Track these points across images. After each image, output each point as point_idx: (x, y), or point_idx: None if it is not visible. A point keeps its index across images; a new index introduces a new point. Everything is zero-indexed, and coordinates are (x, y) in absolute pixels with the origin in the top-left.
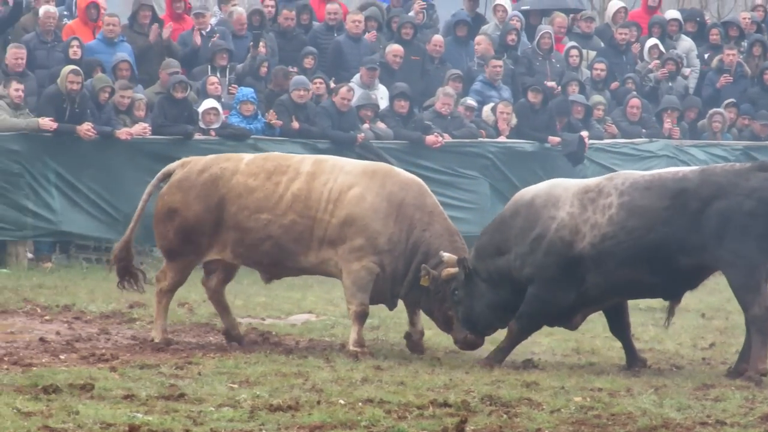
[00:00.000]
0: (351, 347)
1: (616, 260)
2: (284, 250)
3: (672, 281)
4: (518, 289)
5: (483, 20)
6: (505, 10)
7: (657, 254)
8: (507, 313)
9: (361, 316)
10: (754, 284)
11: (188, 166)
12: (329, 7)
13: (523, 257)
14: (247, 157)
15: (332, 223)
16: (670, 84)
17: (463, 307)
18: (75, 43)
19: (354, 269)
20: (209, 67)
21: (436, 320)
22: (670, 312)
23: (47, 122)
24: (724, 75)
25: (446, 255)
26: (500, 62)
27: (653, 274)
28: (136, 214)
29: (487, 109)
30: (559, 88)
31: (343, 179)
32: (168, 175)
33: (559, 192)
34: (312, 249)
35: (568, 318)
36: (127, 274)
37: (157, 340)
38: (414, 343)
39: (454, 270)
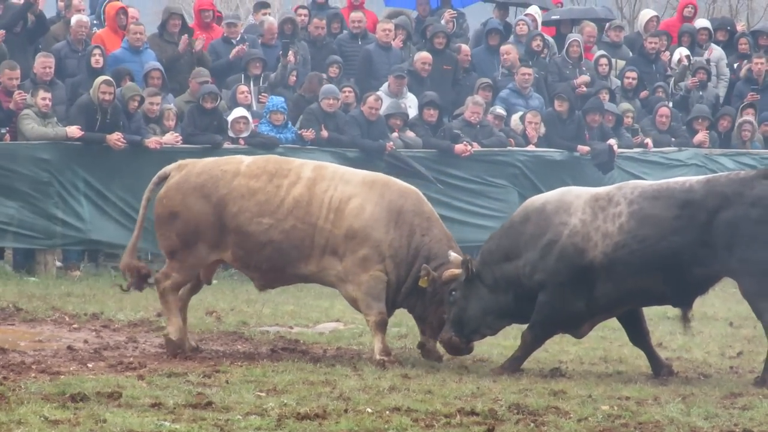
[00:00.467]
0: (377, 356)
1: (628, 269)
2: (284, 255)
3: (683, 290)
4: (522, 296)
5: (513, 29)
6: (535, 21)
7: (669, 263)
8: (500, 320)
9: (382, 325)
10: (767, 291)
11: (186, 168)
12: (353, 15)
13: (533, 263)
14: (247, 159)
15: (334, 233)
16: (700, 93)
17: (457, 308)
18: (97, 51)
19: (364, 280)
20: (242, 75)
21: (430, 325)
22: (685, 319)
23: (74, 130)
24: (751, 92)
25: (453, 255)
26: (529, 69)
27: (666, 284)
28: (139, 221)
29: (515, 118)
30: (584, 88)
31: (343, 189)
32: (164, 178)
33: (570, 199)
34: (313, 257)
35: (577, 326)
36: (143, 280)
37: (174, 338)
38: (428, 351)
39: (457, 271)
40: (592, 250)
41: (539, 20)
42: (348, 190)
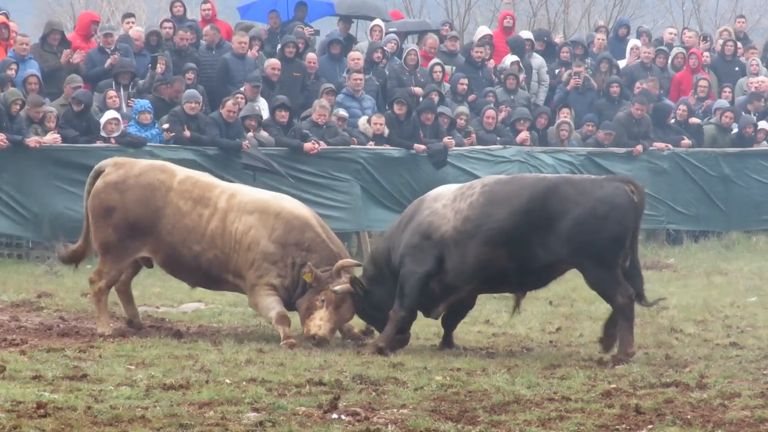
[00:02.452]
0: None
1: (474, 241)
2: (208, 275)
3: (526, 272)
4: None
5: (355, 40)
6: (381, 30)
7: (513, 241)
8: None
9: (280, 319)
10: (612, 278)
11: (124, 168)
12: (206, 29)
13: (401, 243)
14: (179, 174)
15: (239, 260)
16: (511, 97)
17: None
18: None
19: (256, 290)
20: (113, 82)
21: (301, 312)
22: (517, 303)
23: None
24: (574, 77)
25: (338, 288)
26: (361, 75)
27: (510, 260)
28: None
29: (363, 121)
30: (422, 94)
31: (245, 220)
32: (98, 173)
33: (443, 191)
34: (230, 276)
35: (433, 304)
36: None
37: (107, 333)
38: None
39: (346, 287)
40: (444, 225)
41: (384, 31)
42: (248, 221)
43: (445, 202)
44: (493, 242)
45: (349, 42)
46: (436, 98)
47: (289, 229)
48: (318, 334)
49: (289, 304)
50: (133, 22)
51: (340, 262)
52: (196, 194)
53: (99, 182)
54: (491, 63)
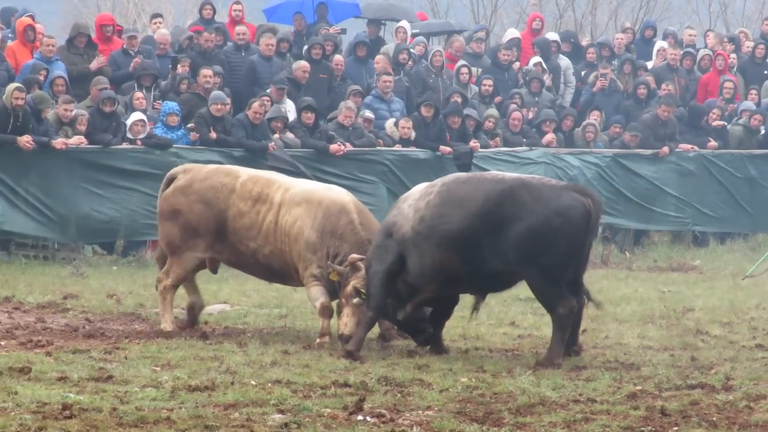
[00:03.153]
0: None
1: (429, 242)
2: (273, 271)
3: (480, 276)
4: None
5: (383, 42)
6: (405, 32)
7: (467, 243)
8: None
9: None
10: (556, 290)
11: (191, 173)
12: (238, 28)
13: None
14: (243, 175)
15: (292, 252)
16: (536, 99)
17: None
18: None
19: (306, 281)
20: (135, 84)
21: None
22: (476, 306)
23: None
24: (600, 79)
25: (356, 300)
26: (390, 77)
27: (463, 264)
28: None
29: (390, 124)
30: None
31: (294, 212)
32: (171, 180)
33: (415, 189)
34: (291, 269)
35: (399, 307)
36: None
37: (168, 329)
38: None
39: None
40: (405, 225)
41: (408, 33)
42: (296, 213)
43: (410, 201)
44: (445, 245)
45: (377, 44)
46: (459, 100)
47: (327, 216)
48: (344, 333)
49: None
50: (160, 23)
51: (351, 257)
52: (255, 192)
53: (169, 187)
54: (517, 65)
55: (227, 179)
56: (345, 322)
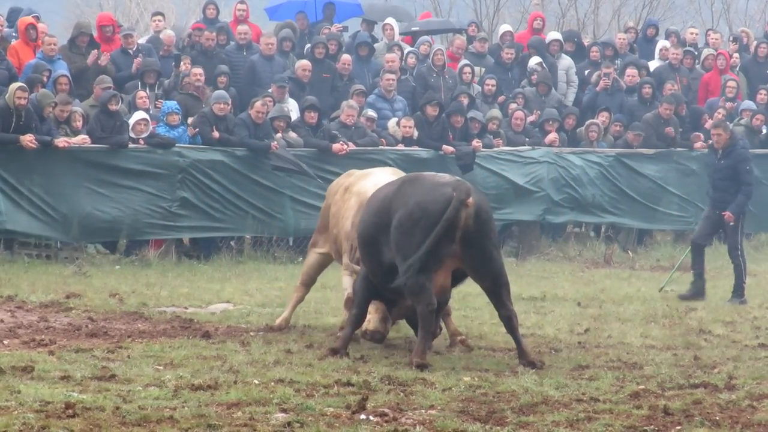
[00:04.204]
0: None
1: (360, 243)
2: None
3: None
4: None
5: (375, 40)
6: (392, 29)
7: (373, 243)
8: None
9: (346, 302)
10: (418, 286)
11: (341, 176)
12: (240, 28)
13: None
14: (358, 173)
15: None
16: (543, 98)
17: None
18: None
19: (343, 269)
20: (139, 83)
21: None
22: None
23: None
24: (603, 78)
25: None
26: (393, 75)
27: (379, 264)
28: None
29: (392, 123)
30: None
31: (349, 202)
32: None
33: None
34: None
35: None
36: None
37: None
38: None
39: None
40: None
41: (396, 30)
42: (350, 202)
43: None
44: (361, 245)
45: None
46: (465, 101)
47: (358, 207)
48: (368, 329)
49: None
50: (161, 21)
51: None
52: (348, 184)
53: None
54: (533, 61)
55: (347, 179)
56: (367, 318)
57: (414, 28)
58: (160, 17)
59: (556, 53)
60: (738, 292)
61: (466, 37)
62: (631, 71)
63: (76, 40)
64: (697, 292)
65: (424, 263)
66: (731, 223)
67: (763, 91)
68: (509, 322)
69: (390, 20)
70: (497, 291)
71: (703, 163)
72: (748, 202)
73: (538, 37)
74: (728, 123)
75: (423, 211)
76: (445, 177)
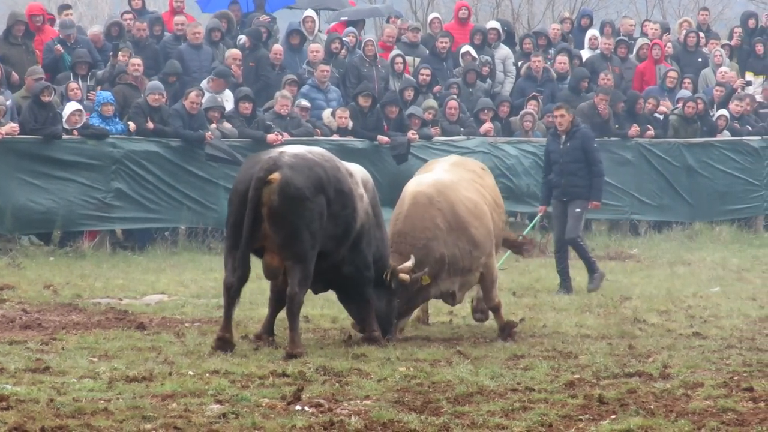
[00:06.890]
0: None
1: None
2: None
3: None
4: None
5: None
6: (313, 21)
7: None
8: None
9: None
10: (227, 256)
11: None
12: (176, 18)
13: None
14: None
15: None
16: (470, 89)
17: None
18: None
19: None
20: (71, 74)
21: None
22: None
23: None
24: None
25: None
26: (327, 67)
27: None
28: None
29: (327, 114)
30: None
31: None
32: None
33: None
34: None
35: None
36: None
37: None
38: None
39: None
40: None
41: (317, 22)
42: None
43: None
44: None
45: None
46: (412, 94)
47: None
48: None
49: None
50: (70, 14)
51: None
52: None
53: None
54: (468, 53)
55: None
56: None
57: (343, 18)
58: (69, 11)
59: (494, 42)
60: (592, 270)
61: (396, 27)
62: (561, 58)
63: (12, 30)
64: (568, 288)
65: (231, 240)
66: (578, 210)
67: (687, 80)
68: (290, 301)
69: (310, 12)
70: (291, 269)
71: (638, 153)
72: (603, 181)
73: (482, 26)
74: (569, 105)
75: (233, 191)
76: (266, 154)
